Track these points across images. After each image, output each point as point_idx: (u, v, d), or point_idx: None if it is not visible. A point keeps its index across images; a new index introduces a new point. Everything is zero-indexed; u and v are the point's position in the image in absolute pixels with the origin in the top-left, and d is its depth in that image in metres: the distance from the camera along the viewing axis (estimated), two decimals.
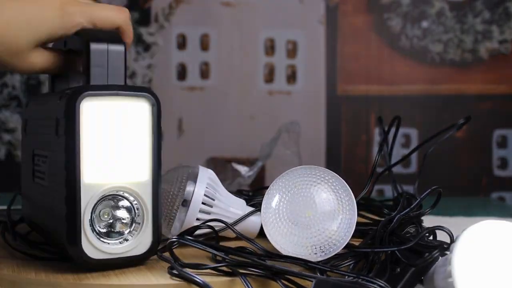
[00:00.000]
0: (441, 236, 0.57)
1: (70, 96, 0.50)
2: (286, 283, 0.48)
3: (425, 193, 0.58)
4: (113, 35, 0.54)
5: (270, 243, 0.56)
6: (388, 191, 0.74)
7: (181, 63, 1.50)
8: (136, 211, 0.52)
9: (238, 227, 0.62)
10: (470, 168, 1.47)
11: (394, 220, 0.56)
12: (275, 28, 1.49)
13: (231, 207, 0.63)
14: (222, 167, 1.15)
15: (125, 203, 0.52)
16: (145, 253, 0.52)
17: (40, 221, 0.60)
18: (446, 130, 0.73)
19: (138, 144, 0.52)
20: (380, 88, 1.49)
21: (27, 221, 0.66)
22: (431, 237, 0.59)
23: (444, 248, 0.53)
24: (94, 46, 0.51)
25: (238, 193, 0.76)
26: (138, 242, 0.52)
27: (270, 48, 1.49)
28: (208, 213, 0.61)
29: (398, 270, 0.52)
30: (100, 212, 0.51)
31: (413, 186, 0.75)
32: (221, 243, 0.57)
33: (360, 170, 1.47)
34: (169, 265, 0.50)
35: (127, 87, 0.52)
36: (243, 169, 1.13)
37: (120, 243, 0.52)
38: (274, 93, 1.49)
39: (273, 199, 0.57)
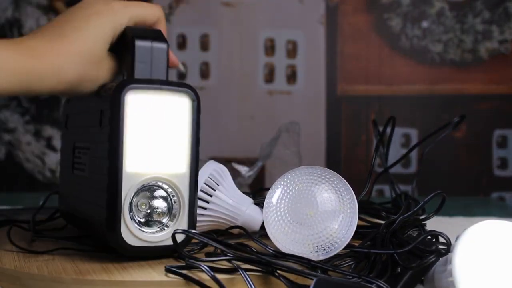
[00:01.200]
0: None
1: (116, 88, 0.52)
2: (287, 280, 0.48)
3: (429, 197, 0.58)
4: (156, 33, 0.56)
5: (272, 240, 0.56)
6: (388, 191, 0.75)
7: (181, 63, 1.50)
8: (173, 202, 0.54)
9: (239, 223, 0.62)
10: (470, 168, 1.47)
11: (396, 222, 0.57)
12: (275, 28, 1.49)
13: (231, 200, 0.63)
14: None
15: (162, 193, 0.54)
16: (180, 242, 0.53)
17: (78, 213, 0.61)
18: (442, 129, 0.73)
19: (178, 137, 0.54)
20: (380, 88, 1.49)
21: (63, 215, 0.69)
22: (433, 240, 0.59)
23: (441, 253, 0.53)
24: (139, 43, 0.53)
25: None
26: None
27: (270, 48, 1.49)
28: (207, 201, 0.62)
29: (399, 270, 0.52)
30: (138, 201, 0.53)
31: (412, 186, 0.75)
32: (222, 239, 0.57)
33: (360, 170, 1.47)
34: (167, 264, 0.50)
35: (169, 82, 0.54)
36: (243, 169, 1.13)
37: (157, 232, 0.54)
38: (274, 93, 1.49)
39: (275, 198, 0.57)
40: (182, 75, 1.50)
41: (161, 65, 0.54)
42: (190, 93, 0.54)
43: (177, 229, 0.54)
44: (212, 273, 0.47)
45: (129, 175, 0.52)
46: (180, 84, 0.54)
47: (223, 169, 0.65)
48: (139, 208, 0.54)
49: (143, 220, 0.54)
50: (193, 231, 0.55)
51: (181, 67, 0.63)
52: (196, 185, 0.55)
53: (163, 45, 0.54)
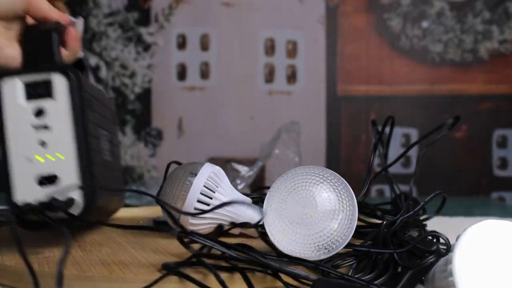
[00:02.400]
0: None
1: None
2: (286, 280, 0.48)
3: (429, 198, 0.58)
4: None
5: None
6: (388, 191, 0.75)
7: (181, 63, 1.50)
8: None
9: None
10: (470, 168, 1.47)
11: (397, 222, 0.57)
12: (275, 28, 1.49)
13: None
14: (222, 167, 1.15)
15: None
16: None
17: None
18: (437, 131, 0.73)
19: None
20: (380, 88, 1.49)
21: None
22: (434, 240, 0.59)
23: (442, 253, 0.53)
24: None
25: None
26: None
27: (270, 48, 1.49)
28: (207, 204, 0.62)
29: (399, 269, 0.52)
30: None
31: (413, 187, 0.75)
32: (223, 240, 0.57)
33: (360, 170, 1.47)
34: (164, 261, 0.50)
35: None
36: (243, 169, 1.13)
37: None
38: (274, 93, 1.49)
39: (274, 199, 0.57)
40: (182, 74, 1.50)
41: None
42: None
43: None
44: (216, 271, 0.47)
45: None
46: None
47: (219, 171, 0.65)
48: None
49: None
50: (196, 233, 0.55)
51: (81, 54, 0.63)
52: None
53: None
